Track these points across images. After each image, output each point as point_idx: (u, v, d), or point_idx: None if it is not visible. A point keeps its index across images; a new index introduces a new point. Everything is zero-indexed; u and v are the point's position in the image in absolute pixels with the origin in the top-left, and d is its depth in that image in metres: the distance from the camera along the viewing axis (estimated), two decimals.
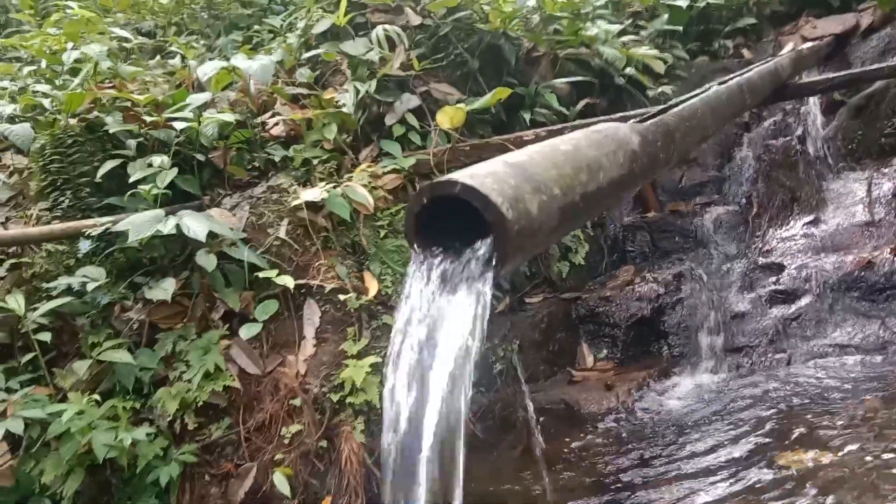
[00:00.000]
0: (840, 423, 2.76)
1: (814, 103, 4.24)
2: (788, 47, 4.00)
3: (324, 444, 2.81)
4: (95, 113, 3.33)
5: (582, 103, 4.06)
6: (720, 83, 2.18)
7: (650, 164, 1.43)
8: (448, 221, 1.11)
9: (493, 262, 1.05)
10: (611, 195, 1.26)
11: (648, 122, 1.52)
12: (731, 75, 2.41)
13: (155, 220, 2.82)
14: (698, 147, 2.56)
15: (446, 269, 1.12)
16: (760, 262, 3.80)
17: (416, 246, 1.15)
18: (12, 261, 3.09)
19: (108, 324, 2.96)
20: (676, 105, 1.73)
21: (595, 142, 1.28)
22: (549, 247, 3.55)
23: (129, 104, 3.40)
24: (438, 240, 1.16)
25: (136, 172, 3.11)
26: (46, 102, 3.52)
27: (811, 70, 4.32)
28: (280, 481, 2.67)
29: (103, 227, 2.93)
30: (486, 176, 1.03)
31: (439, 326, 1.14)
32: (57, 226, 3.08)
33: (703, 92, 1.95)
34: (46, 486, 2.58)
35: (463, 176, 1.03)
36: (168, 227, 2.79)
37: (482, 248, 1.07)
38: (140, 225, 2.80)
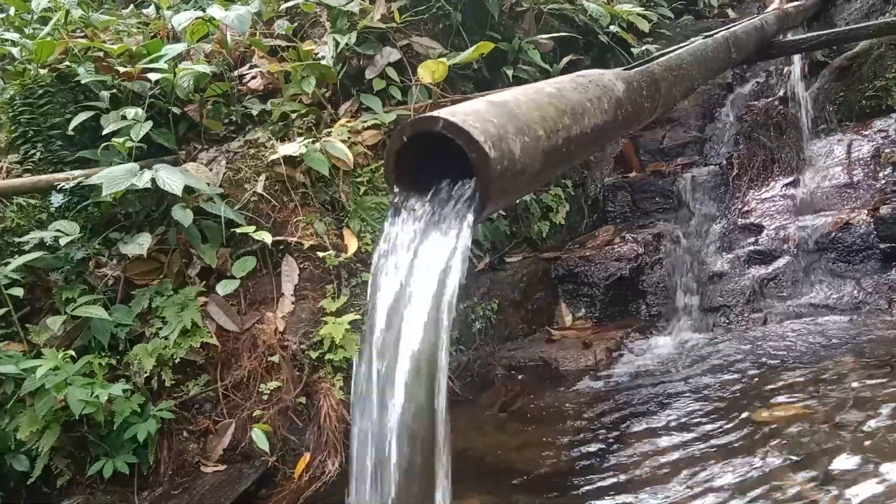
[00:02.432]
0: (813, 381, 2.79)
1: (797, 64, 4.23)
2: (773, 5, 3.97)
3: (303, 400, 2.80)
4: (67, 63, 3.24)
5: (565, 60, 4.01)
6: (706, 36, 2.15)
7: (635, 113, 1.41)
8: (430, 166, 1.09)
9: (475, 204, 1.02)
10: (594, 141, 1.24)
11: (634, 70, 1.50)
12: (718, 29, 2.38)
13: (129, 174, 2.76)
14: (683, 99, 2.54)
15: (427, 210, 1.10)
16: (739, 223, 3.82)
17: (395, 187, 1.12)
18: None
19: (83, 279, 2.91)
20: (663, 55, 1.71)
21: (580, 86, 1.25)
22: (531, 191, 3.52)
23: (101, 54, 3.30)
24: (419, 184, 1.13)
25: (109, 125, 3.04)
26: (15, 51, 3.41)
27: (796, 30, 4.29)
28: (259, 437, 2.66)
29: (76, 181, 2.87)
30: (468, 114, 1.00)
31: (417, 270, 1.12)
32: (28, 179, 3.00)
33: (689, 44, 1.92)
34: (22, 442, 2.55)
35: (445, 113, 1.00)
36: (143, 181, 2.73)
37: (464, 188, 1.05)
38: (114, 179, 2.74)
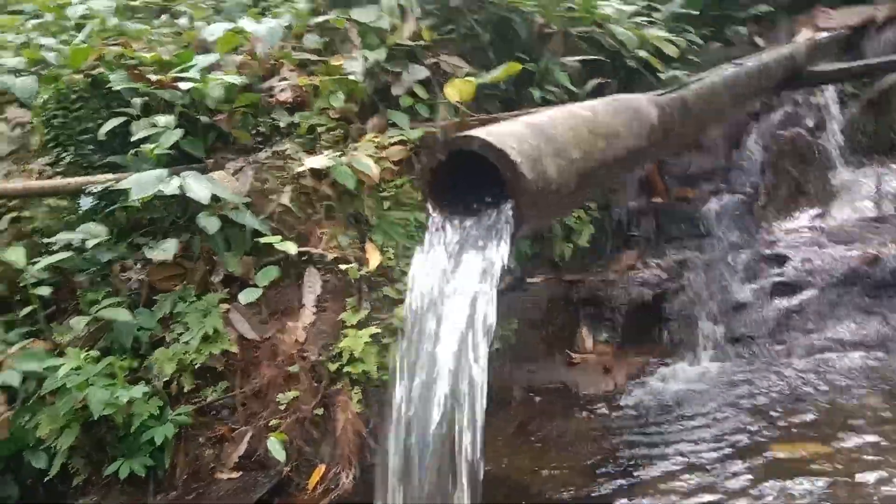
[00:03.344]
0: (836, 419, 2.75)
1: (826, 95, 4.20)
2: (804, 35, 3.95)
3: (320, 411, 2.80)
4: (100, 69, 3.29)
5: (593, 83, 4.01)
6: (737, 64, 2.15)
7: (666, 137, 1.41)
8: (463, 185, 1.09)
9: (510, 224, 1.02)
10: (626, 164, 1.24)
11: (667, 95, 1.50)
12: (748, 57, 2.38)
13: (158, 180, 2.80)
14: (714, 125, 2.53)
15: (462, 228, 1.10)
16: (765, 253, 3.78)
17: (430, 205, 1.13)
18: (13, 214, 3.07)
19: (108, 282, 2.94)
20: (695, 82, 1.71)
21: (613, 109, 1.25)
22: (565, 213, 3.50)
23: (134, 62, 3.36)
24: (453, 202, 1.13)
25: (139, 131, 3.08)
26: (51, 56, 3.48)
27: (826, 60, 4.27)
28: (274, 447, 2.66)
29: (105, 185, 2.91)
30: (505, 134, 1.01)
31: (453, 289, 1.11)
32: (59, 181, 3.05)
33: (720, 70, 1.92)
34: (41, 439, 2.58)
35: (482, 132, 1.01)
36: (171, 188, 2.76)
37: (499, 208, 1.05)
38: (143, 184, 2.78)
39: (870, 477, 2.29)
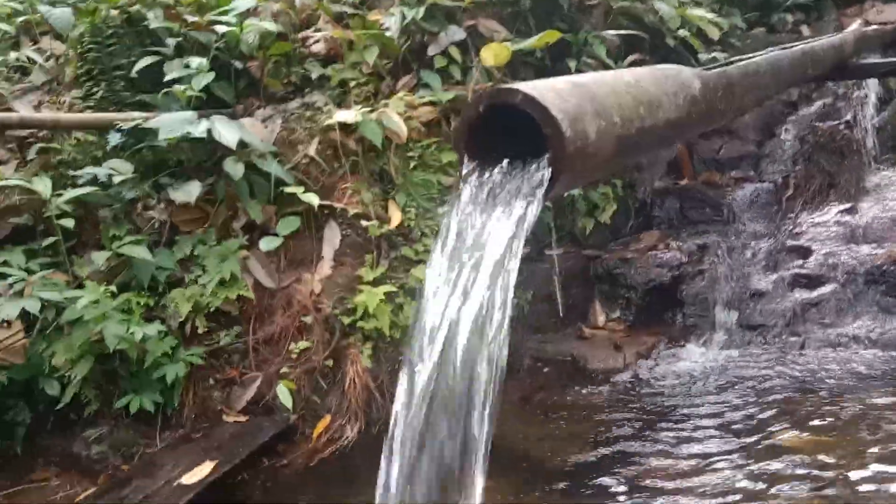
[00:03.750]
0: (845, 413, 2.74)
1: (869, 90, 4.11)
2: (853, 26, 3.85)
3: (330, 363, 2.82)
4: (137, 6, 3.28)
5: (630, 59, 3.95)
6: (783, 48, 2.10)
7: (707, 113, 1.38)
8: (495, 143, 1.08)
9: (545, 181, 1.01)
10: (665, 137, 1.22)
11: (711, 70, 1.47)
12: (795, 43, 2.33)
13: (186, 122, 2.80)
14: (755, 107, 2.48)
15: (496, 183, 1.09)
16: (788, 244, 3.73)
17: (466, 157, 1.12)
18: (41, 145, 3.09)
19: (130, 219, 2.96)
20: (740, 60, 1.67)
21: (657, 79, 1.23)
22: (598, 178, 3.46)
23: (171, 2, 3.34)
24: (488, 157, 1.12)
25: (172, 72, 3.08)
26: None
27: (873, 54, 4.16)
28: (283, 394, 2.70)
29: (134, 123, 2.91)
30: (548, 89, 0.99)
31: (479, 246, 1.11)
32: (89, 115, 3.06)
33: (766, 53, 1.88)
34: (56, 368, 2.62)
35: (525, 86, 0.99)
36: (199, 131, 2.76)
37: (535, 166, 1.03)
38: (171, 125, 2.78)
39: (865, 474, 2.28)
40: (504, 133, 1.14)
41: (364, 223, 2.99)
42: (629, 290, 3.72)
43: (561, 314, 3.72)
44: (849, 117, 4.10)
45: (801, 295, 3.52)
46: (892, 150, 4.01)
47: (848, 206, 3.79)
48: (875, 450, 2.42)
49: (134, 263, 2.80)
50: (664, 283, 3.67)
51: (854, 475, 2.28)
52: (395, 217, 3.08)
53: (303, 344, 2.82)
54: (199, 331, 2.82)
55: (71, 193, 2.77)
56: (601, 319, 3.73)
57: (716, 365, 3.29)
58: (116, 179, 2.83)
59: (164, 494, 2.30)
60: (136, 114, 3.01)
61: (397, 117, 3.12)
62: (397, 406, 1.35)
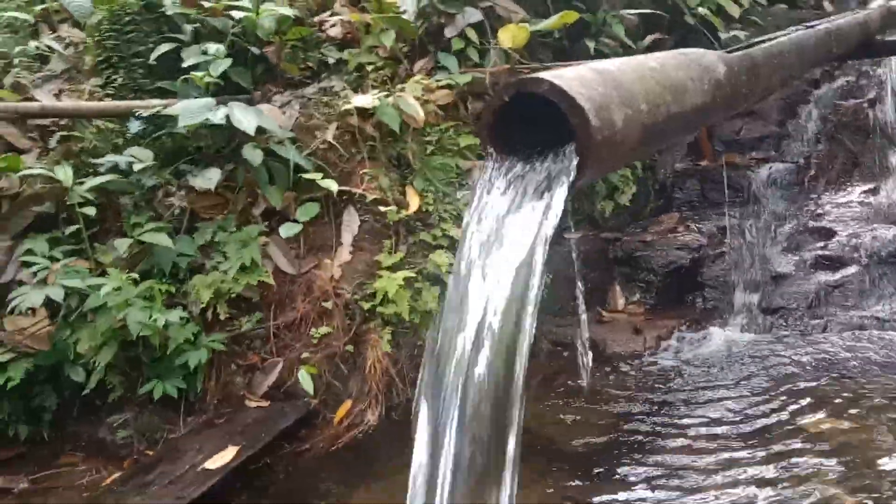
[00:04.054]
0: (868, 397, 2.72)
1: (892, 68, 4.03)
2: (878, 2, 3.78)
3: (350, 348, 2.83)
4: None
5: (650, 38, 3.91)
6: (807, 26, 2.07)
7: (733, 96, 1.36)
8: (516, 131, 1.07)
9: (572, 172, 1.00)
10: (691, 122, 1.20)
11: (736, 53, 1.44)
12: (819, 21, 2.29)
13: (205, 109, 2.80)
14: (780, 89, 2.44)
15: (521, 173, 1.08)
16: (810, 226, 3.70)
17: (489, 147, 1.11)
18: (62, 133, 3.10)
19: (151, 206, 2.98)
20: (764, 41, 1.64)
21: (682, 63, 1.21)
22: (623, 166, 3.43)
23: None
24: (511, 147, 1.11)
25: (189, 58, 3.08)
26: None
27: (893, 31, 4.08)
28: (305, 379, 2.71)
29: (154, 110, 2.92)
30: (573, 79, 0.98)
31: (506, 235, 1.10)
32: (109, 103, 3.08)
33: (790, 32, 1.85)
34: (80, 355, 2.65)
35: (551, 76, 0.98)
36: (218, 117, 2.76)
37: (561, 155, 1.02)
38: (190, 111, 2.78)
39: (887, 460, 2.27)
40: (522, 121, 1.13)
41: (382, 209, 2.98)
42: (649, 273, 3.70)
43: (580, 298, 3.71)
44: (872, 95, 4.03)
45: (823, 277, 3.49)
46: None
47: (871, 186, 3.75)
48: (891, 432, 2.41)
49: (155, 251, 2.82)
50: (684, 265, 3.65)
51: (881, 463, 2.26)
52: (414, 202, 3.07)
53: (323, 329, 2.83)
54: (221, 317, 2.83)
55: (92, 181, 2.78)
56: (621, 303, 3.71)
57: (736, 348, 3.27)
58: (137, 167, 2.83)
59: (189, 479, 2.32)
60: (155, 101, 3.01)
61: (414, 101, 3.10)
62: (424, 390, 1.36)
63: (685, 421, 2.72)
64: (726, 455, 2.44)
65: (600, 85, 1.00)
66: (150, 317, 2.60)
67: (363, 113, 3.09)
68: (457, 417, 1.25)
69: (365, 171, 3.06)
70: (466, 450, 1.28)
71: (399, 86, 3.26)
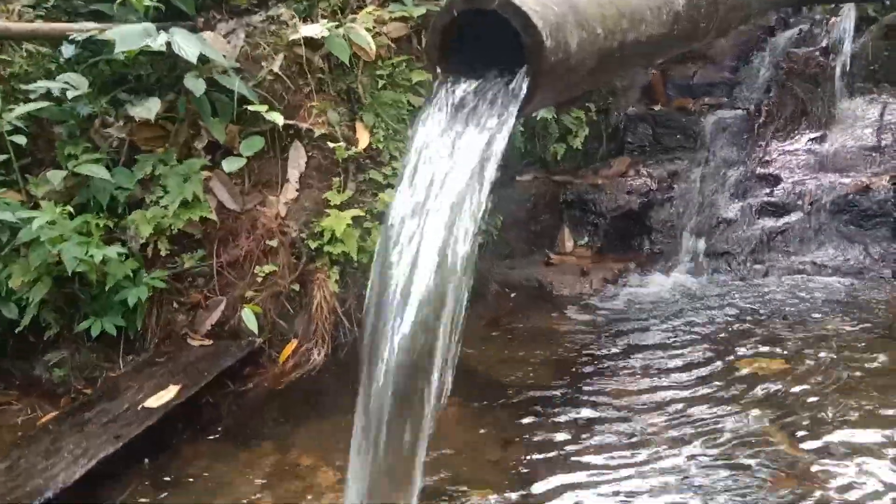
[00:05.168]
0: (804, 338, 2.80)
1: (846, 16, 4.04)
2: None
3: (296, 287, 2.79)
4: None
5: None
6: None
7: (691, 31, 1.33)
8: (473, 53, 1.01)
9: (523, 94, 0.96)
10: (648, 52, 1.17)
11: None
12: None
13: (144, 34, 2.66)
14: (738, 26, 2.41)
15: (470, 94, 1.03)
16: (758, 172, 3.75)
17: (438, 67, 1.05)
18: None
19: (87, 137, 2.84)
20: None
21: None
22: (576, 94, 3.39)
23: None
24: (462, 69, 1.05)
25: None
26: None
27: None
28: (248, 317, 2.66)
29: (89, 34, 2.76)
30: None
31: (456, 157, 1.06)
32: (41, 24, 2.90)
33: None
34: (13, 290, 2.54)
35: None
36: (158, 44, 2.63)
37: (512, 77, 0.98)
38: (128, 37, 2.64)
39: (823, 399, 2.34)
40: (487, 50, 1.08)
41: (331, 144, 2.90)
42: (598, 217, 3.72)
43: (530, 240, 3.72)
44: (825, 44, 4.06)
45: (767, 223, 3.55)
46: (865, 78, 3.99)
47: (819, 134, 3.80)
48: (832, 374, 2.49)
49: (92, 183, 2.70)
50: (633, 209, 3.68)
51: (812, 400, 2.34)
52: (363, 138, 2.99)
53: (268, 268, 2.77)
54: (162, 253, 2.75)
55: (23, 108, 2.64)
56: (569, 246, 3.73)
57: (680, 291, 3.33)
58: (71, 94, 2.68)
59: (128, 417, 2.27)
60: (90, 24, 2.85)
61: (366, 33, 3.00)
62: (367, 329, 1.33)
63: (627, 362, 2.77)
64: (663, 395, 2.49)
65: (556, 4, 0.95)
66: (87, 252, 2.50)
67: (312, 43, 2.98)
68: (395, 352, 1.22)
69: (313, 104, 2.97)
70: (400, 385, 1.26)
71: (350, 16, 3.14)
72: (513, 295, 3.43)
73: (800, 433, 2.17)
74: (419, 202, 1.13)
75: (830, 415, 2.24)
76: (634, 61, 1.15)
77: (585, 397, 2.52)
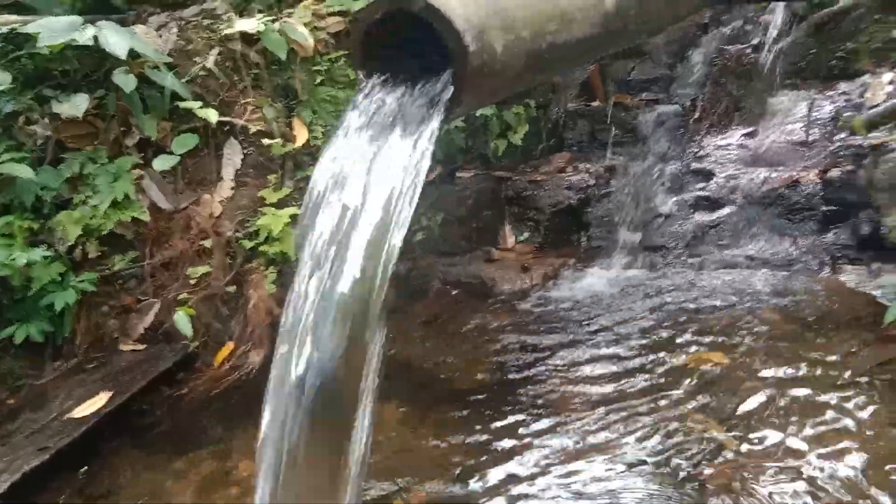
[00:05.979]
0: (736, 329, 2.86)
1: (777, 14, 4.14)
2: None
3: (232, 289, 2.73)
4: None
5: None
6: None
7: (622, 32, 1.33)
8: (402, 56, 0.99)
9: (447, 99, 0.94)
10: (577, 54, 1.17)
11: None
12: None
13: (71, 28, 2.57)
14: (670, 25, 2.44)
15: (393, 101, 1.01)
16: (693, 167, 3.81)
17: (361, 71, 1.03)
18: None
19: (11, 135, 2.72)
20: None
21: None
22: (504, 97, 3.40)
23: None
24: (389, 72, 1.03)
25: None
26: None
27: None
28: (181, 321, 2.60)
29: (11, 27, 2.65)
30: None
31: (375, 168, 1.03)
32: None
33: None
34: None
35: None
36: (85, 38, 2.55)
37: (436, 82, 0.96)
38: (54, 30, 2.55)
39: (755, 386, 2.41)
40: (412, 43, 1.06)
41: (267, 141, 2.85)
42: (538, 213, 3.74)
43: (472, 236, 3.72)
44: (756, 41, 4.15)
45: (701, 217, 3.62)
46: (795, 73, 4.09)
47: (750, 129, 3.88)
48: (763, 361, 2.55)
49: (15, 183, 2.59)
50: (572, 205, 3.71)
51: (743, 387, 2.40)
52: (301, 135, 2.95)
53: (202, 269, 2.70)
54: (91, 256, 2.66)
55: None
56: (511, 241, 3.74)
57: (618, 286, 3.37)
58: None
59: (55, 427, 2.19)
60: (12, 17, 2.74)
61: (303, 28, 2.96)
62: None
63: (567, 358, 2.78)
64: (602, 390, 2.51)
65: (480, 7, 0.94)
66: (10, 255, 2.41)
67: (247, 38, 2.93)
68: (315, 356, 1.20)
69: (248, 101, 2.91)
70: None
71: (287, 11, 3.09)
72: (454, 292, 3.42)
73: (734, 422, 2.22)
74: (341, 210, 1.10)
75: (764, 405, 2.30)
76: (565, 62, 1.15)
77: (524, 395, 2.52)
